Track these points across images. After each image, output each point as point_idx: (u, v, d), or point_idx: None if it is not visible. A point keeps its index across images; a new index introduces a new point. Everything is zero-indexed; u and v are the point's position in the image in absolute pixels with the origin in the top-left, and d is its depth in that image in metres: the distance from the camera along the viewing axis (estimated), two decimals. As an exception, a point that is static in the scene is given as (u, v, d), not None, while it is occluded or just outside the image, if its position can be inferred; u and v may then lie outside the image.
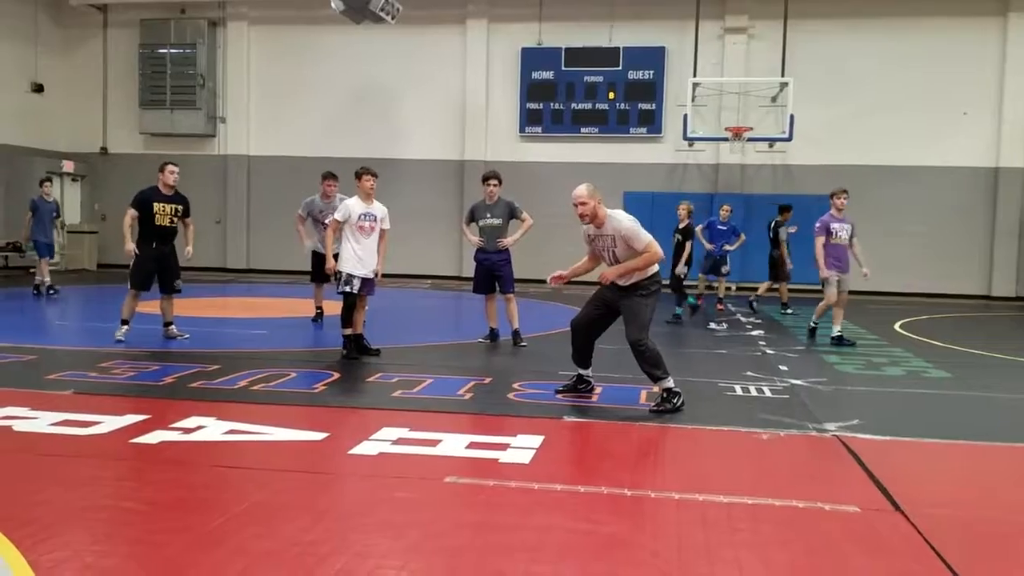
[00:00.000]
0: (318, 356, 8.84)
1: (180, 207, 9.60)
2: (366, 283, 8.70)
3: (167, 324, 9.68)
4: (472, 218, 9.87)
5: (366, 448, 5.12)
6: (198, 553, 3.47)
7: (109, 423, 5.54)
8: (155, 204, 9.39)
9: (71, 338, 9.64)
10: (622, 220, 6.51)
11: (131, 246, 9.34)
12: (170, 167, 9.55)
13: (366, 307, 8.97)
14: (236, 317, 12.79)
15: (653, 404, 6.49)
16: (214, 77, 21.89)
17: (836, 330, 10.50)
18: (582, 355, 6.91)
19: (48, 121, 21.77)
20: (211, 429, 5.53)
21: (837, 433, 5.78)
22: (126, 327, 9.32)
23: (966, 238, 19.51)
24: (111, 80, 22.48)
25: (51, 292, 14.68)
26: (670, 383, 6.48)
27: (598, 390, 7.04)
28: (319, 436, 5.43)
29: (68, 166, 21.83)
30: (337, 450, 5.15)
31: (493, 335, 9.82)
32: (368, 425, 5.67)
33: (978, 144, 19.40)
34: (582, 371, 6.95)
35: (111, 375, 7.43)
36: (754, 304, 14.69)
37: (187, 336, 9.62)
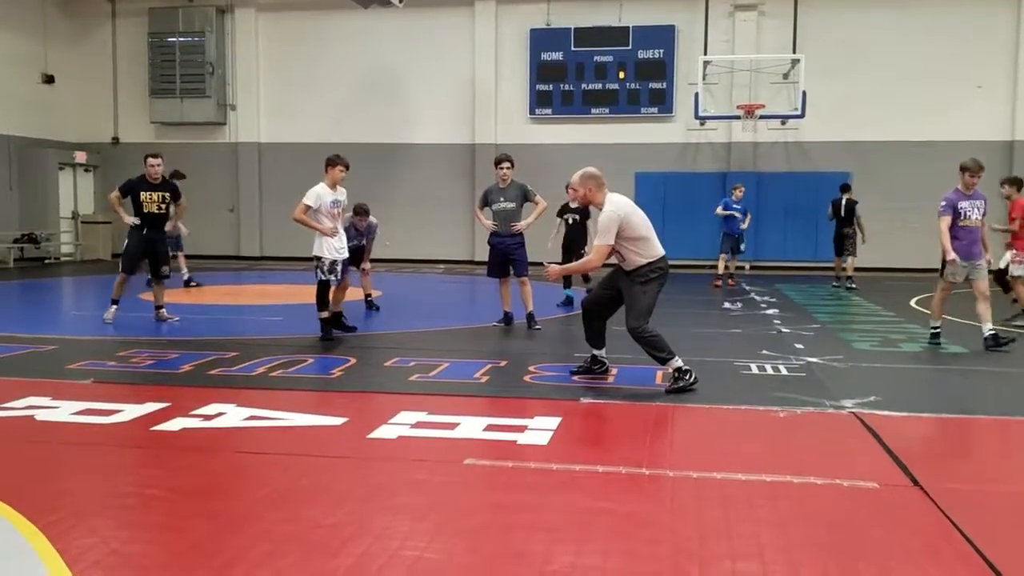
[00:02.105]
0: (334, 341, 8.86)
1: (167, 194, 9.97)
2: (344, 265, 8.97)
3: (158, 308, 10.07)
4: (486, 202, 9.86)
5: (385, 432, 5.16)
6: (223, 538, 3.51)
7: (130, 411, 5.59)
8: (142, 193, 9.78)
9: (89, 328, 9.71)
10: (605, 210, 6.49)
11: (131, 218, 9.81)
12: (151, 160, 9.88)
13: (347, 287, 9.35)
14: (251, 304, 12.86)
15: (669, 384, 6.50)
16: (223, 65, 21.88)
17: (988, 328, 8.61)
18: (594, 335, 6.92)
19: (59, 112, 21.84)
20: (231, 416, 5.58)
21: (854, 410, 5.78)
22: (114, 307, 9.81)
23: (981, 212, 19.36)
24: (121, 70, 22.51)
25: (192, 284, 14.43)
26: (679, 362, 6.50)
27: (613, 371, 7.06)
28: (338, 421, 5.47)
29: (80, 157, 21.92)
30: (356, 434, 5.19)
31: (507, 319, 9.84)
32: (386, 409, 5.71)
33: (993, 118, 19.22)
34: (596, 352, 6.97)
35: (130, 364, 7.50)
36: (851, 284, 14.95)
37: (177, 320, 10.01)
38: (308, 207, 8.67)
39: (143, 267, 10.23)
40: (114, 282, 9.97)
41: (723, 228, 15.19)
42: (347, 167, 8.87)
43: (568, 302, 11.38)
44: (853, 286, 15.00)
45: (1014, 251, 10.32)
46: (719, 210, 15.06)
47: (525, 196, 9.65)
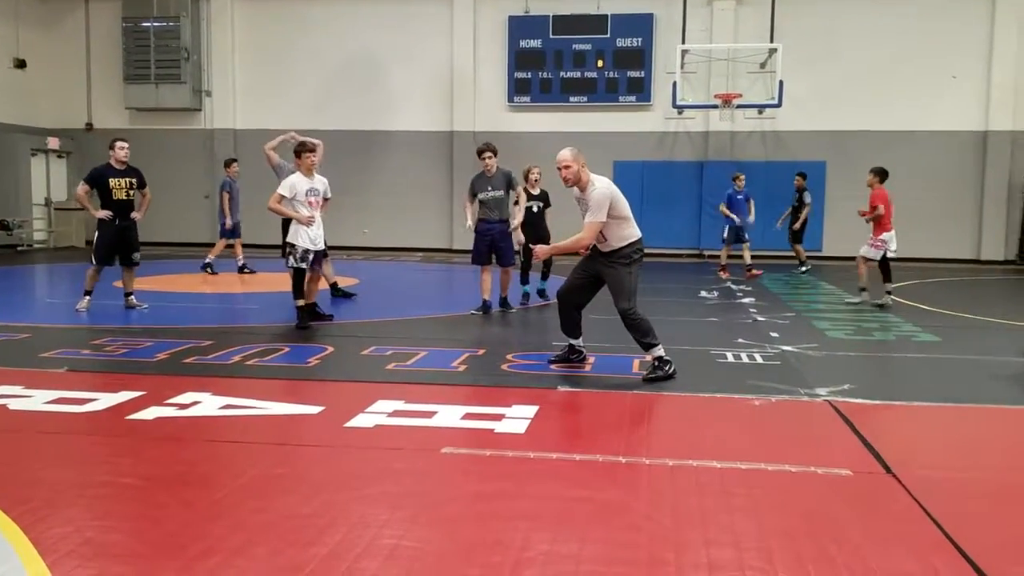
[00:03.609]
0: (311, 330, 8.82)
1: (134, 179, 9.86)
2: (317, 256, 8.86)
3: (127, 295, 10.03)
4: (474, 193, 9.84)
5: (362, 421, 5.15)
6: (198, 527, 3.50)
7: (104, 400, 5.55)
8: (111, 180, 9.69)
9: (62, 316, 9.62)
10: (596, 187, 6.52)
11: (102, 212, 9.70)
12: (119, 143, 9.83)
13: (319, 279, 9.12)
14: (228, 292, 12.77)
15: (646, 373, 6.53)
16: (199, 50, 21.65)
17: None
18: (570, 325, 6.93)
19: (32, 97, 21.53)
20: (206, 404, 5.55)
21: (828, 398, 5.84)
22: (88, 298, 9.71)
23: (955, 202, 19.57)
24: (94, 55, 22.22)
25: (207, 270, 14.40)
26: (661, 351, 6.53)
27: (591, 360, 7.08)
28: (315, 410, 5.45)
29: (53, 143, 21.64)
30: (333, 423, 5.17)
31: (486, 307, 9.84)
32: (363, 398, 5.69)
33: (967, 108, 19.41)
34: (573, 341, 6.98)
35: (104, 352, 7.43)
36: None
37: (146, 307, 9.96)
38: (282, 197, 8.64)
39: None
40: (90, 275, 9.79)
41: (727, 219, 15.12)
42: (313, 150, 8.79)
43: (526, 297, 10.77)
44: (807, 269, 15.68)
45: (871, 236, 11.30)
46: (723, 207, 15.03)
47: (509, 184, 9.69)
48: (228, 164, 14.69)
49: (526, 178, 10.50)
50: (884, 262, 11.33)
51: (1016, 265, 19.30)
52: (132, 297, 10.01)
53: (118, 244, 9.78)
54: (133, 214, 9.87)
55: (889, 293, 11.21)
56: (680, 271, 16.75)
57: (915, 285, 14.26)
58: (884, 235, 11.19)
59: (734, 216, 14.86)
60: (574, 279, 6.83)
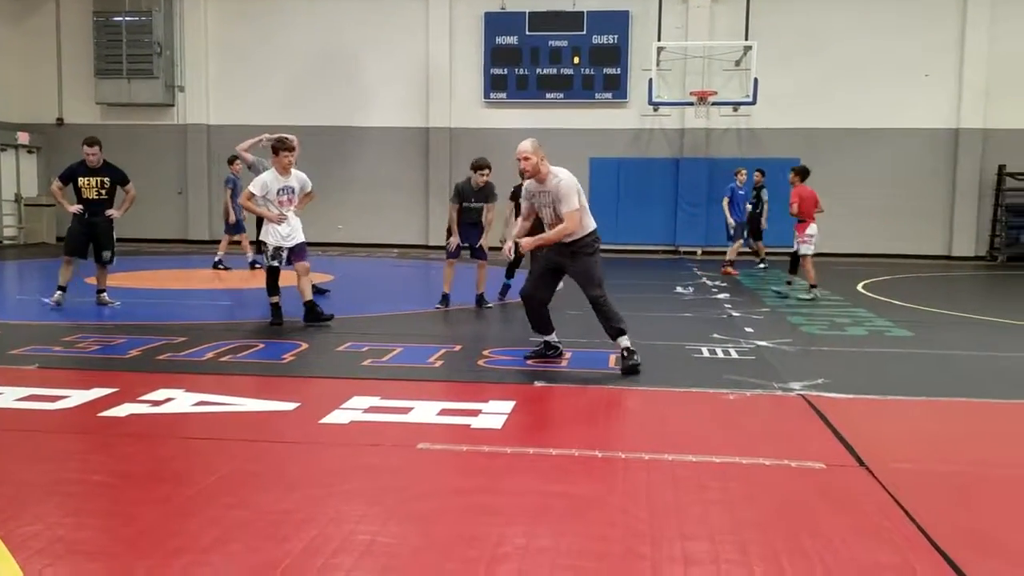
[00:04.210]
0: (285, 326, 8.77)
1: (107, 179, 9.77)
2: (295, 252, 8.72)
3: (100, 291, 9.98)
4: (459, 199, 9.84)
5: (337, 417, 5.13)
6: (172, 524, 3.46)
7: (76, 397, 5.48)
8: (80, 178, 9.71)
9: (33, 312, 9.50)
10: (561, 178, 6.60)
11: (74, 207, 9.69)
12: (85, 149, 9.73)
13: (308, 272, 8.91)
14: (200, 289, 12.67)
15: (620, 366, 6.58)
16: (171, 45, 21.46)
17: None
18: (541, 322, 6.95)
19: (1, 92, 21.25)
20: (180, 401, 5.50)
21: (802, 392, 5.88)
22: (60, 292, 9.68)
23: (928, 199, 19.79)
24: (65, 49, 21.96)
25: (219, 267, 14.37)
26: (628, 341, 6.63)
27: (567, 355, 7.08)
28: (290, 406, 5.42)
29: (23, 138, 21.37)
30: (308, 419, 5.14)
31: (446, 300, 9.97)
32: (339, 394, 5.67)
33: (939, 106, 19.64)
34: (546, 337, 6.99)
35: (76, 349, 7.35)
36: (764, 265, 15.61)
37: (117, 304, 9.86)
38: (252, 195, 8.58)
39: (88, 252, 9.94)
40: (62, 269, 9.76)
41: (733, 216, 15.08)
42: (292, 150, 8.67)
43: (506, 290, 10.82)
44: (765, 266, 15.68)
45: (797, 235, 11.81)
46: (726, 204, 15.02)
47: (487, 197, 9.89)
48: (232, 161, 14.59)
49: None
50: (795, 255, 11.97)
51: (987, 261, 19.56)
52: (104, 294, 9.93)
53: (86, 238, 9.72)
54: (109, 211, 9.78)
55: (789, 284, 12.15)
56: (655, 267, 16.82)
57: (887, 281, 14.41)
58: (809, 230, 11.68)
59: (729, 216, 14.84)
60: (536, 277, 6.86)
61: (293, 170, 8.75)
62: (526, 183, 6.82)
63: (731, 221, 14.96)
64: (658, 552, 3.25)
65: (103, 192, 9.76)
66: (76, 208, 9.66)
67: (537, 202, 6.76)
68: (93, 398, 5.47)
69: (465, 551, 3.24)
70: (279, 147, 8.66)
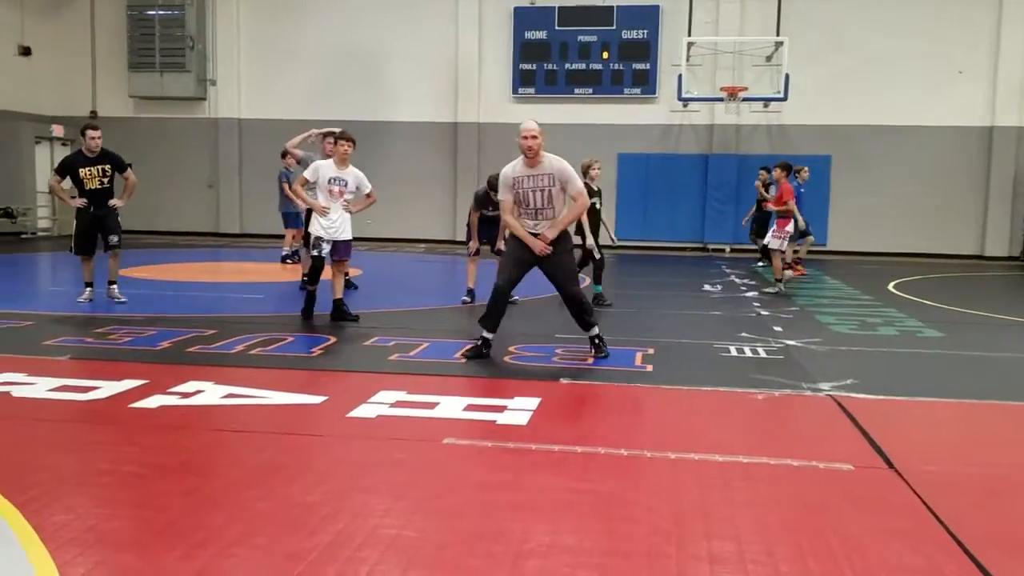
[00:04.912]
0: (314, 321, 8.82)
1: (107, 166, 9.48)
2: (337, 248, 8.68)
3: (110, 283, 9.69)
4: (480, 206, 9.87)
5: (364, 411, 5.15)
6: (199, 516, 3.50)
7: (107, 388, 5.55)
8: (81, 169, 9.37)
9: (66, 304, 9.61)
10: (558, 160, 6.62)
11: (78, 201, 9.40)
12: (90, 132, 9.47)
13: (345, 271, 8.93)
14: (231, 282, 12.78)
15: (594, 354, 6.82)
16: (203, 39, 21.63)
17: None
18: (499, 318, 6.91)
19: (36, 85, 21.52)
20: (209, 393, 5.55)
21: (831, 393, 5.83)
22: (89, 289, 9.52)
23: (960, 197, 19.53)
24: (99, 42, 22.21)
25: (288, 261, 14.24)
26: (597, 330, 6.83)
27: (594, 352, 7.06)
28: (317, 400, 5.46)
29: (57, 130, 21.63)
30: (335, 413, 5.18)
31: (471, 295, 10.04)
32: (366, 388, 5.70)
33: (973, 103, 19.35)
34: (491, 335, 6.91)
35: (108, 340, 7.43)
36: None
37: (124, 300, 9.52)
38: (305, 180, 8.62)
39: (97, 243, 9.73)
40: (82, 267, 9.63)
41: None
42: (351, 141, 8.61)
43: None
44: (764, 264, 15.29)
45: (774, 228, 11.83)
46: (793, 204, 14.45)
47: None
48: (284, 155, 14.68)
49: (586, 173, 9.88)
50: (767, 249, 12.11)
51: (1020, 262, 19.26)
52: (115, 287, 9.63)
53: (93, 232, 9.49)
54: (112, 201, 9.48)
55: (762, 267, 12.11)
56: (683, 264, 16.74)
57: (919, 281, 14.24)
58: (788, 226, 11.70)
59: (800, 217, 14.31)
60: (512, 271, 6.83)
61: (351, 167, 8.73)
62: (505, 172, 6.72)
63: (800, 220, 14.32)
64: (683, 551, 3.24)
65: (105, 181, 9.43)
66: (80, 202, 9.37)
67: (524, 188, 6.63)
68: (124, 389, 5.54)
69: (490, 547, 3.25)
70: (339, 137, 8.66)
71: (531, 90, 20.61)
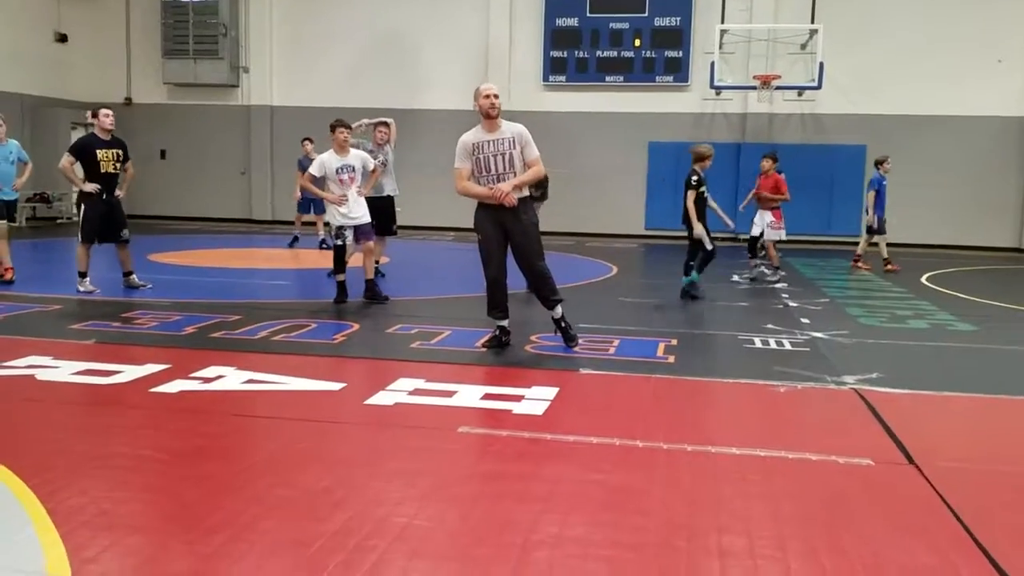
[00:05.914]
0: (339, 307, 8.86)
1: (120, 151, 9.38)
2: (360, 232, 8.85)
3: (127, 274, 9.64)
4: None
5: (382, 398, 5.16)
6: (214, 500, 3.53)
7: (129, 372, 5.61)
8: (98, 151, 9.17)
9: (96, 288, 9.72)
10: (516, 124, 6.68)
11: (91, 186, 9.17)
12: (104, 111, 9.43)
13: (374, 252, 9.07)
14: (259, 268, 12.87)
15: (564, 337, 6.82)
16: (237, 26, 21.75)
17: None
18: (504, 304, 6.87)
19: (72, 71, 21.78)
20: (230, 379, 5.59)
21: (855, 386, 5.75)
22: (87, 279, 9.25)
23: (997, 189, 19.15)
24: (134, 30, 22.40)
25: (323, 246, 14.21)
26: (561, 311, 6.81)
27: (615, 342, 7.02)
28: (336, 386, 5.48)
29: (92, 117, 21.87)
30: (353, 400, 5.20)
31: None
32: (385, 375, 5.72)
33: (1012, 93, 18.93)
34: (504, 322, 6.89)
35: (133, 325, 7.52)
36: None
37: (149, 285, 9.55)
38: (313, 176, 8.76)
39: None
40: (80, 255, 9.30)
41: (876, 210, 13.65)
42: (347, 127, 8.86)
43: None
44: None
45: (771, 219, 11.94)
46: (872, 199, 13.65)
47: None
48: (303, 142, 14.94)
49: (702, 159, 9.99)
50: (755, 240, 12.20)
51: (1059, 254, 18.88)
52: (134, 276, 9.60)
53: (106, 222, 9.28)
54: (118, 192, 9.37)
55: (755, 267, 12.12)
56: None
57: (953, 273, 14.00)
58: (779, 218, 11.84)
59: (871, 209, 13.67)
60: (495, 255, 6.73)
61: (352, 149, 8.87)
62: (464, 139, 6.74)
63: (872, 216, 13.64)
64: (693, 544, 3.21)
65: (118, 165, 9.27)
66: (94, 187, 9.13)
67: (485, 153, 6.60)
68: (146, 374, 5.59)
69: (499, 536, 3.24)
70: (334, 125, 8.82)
71: (562, 77, 20.48)
